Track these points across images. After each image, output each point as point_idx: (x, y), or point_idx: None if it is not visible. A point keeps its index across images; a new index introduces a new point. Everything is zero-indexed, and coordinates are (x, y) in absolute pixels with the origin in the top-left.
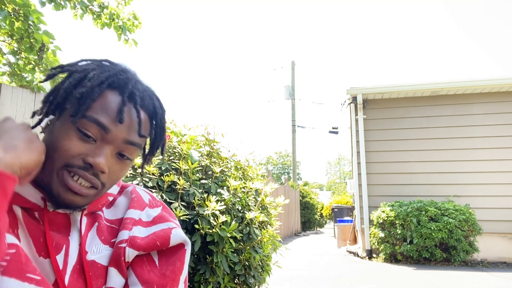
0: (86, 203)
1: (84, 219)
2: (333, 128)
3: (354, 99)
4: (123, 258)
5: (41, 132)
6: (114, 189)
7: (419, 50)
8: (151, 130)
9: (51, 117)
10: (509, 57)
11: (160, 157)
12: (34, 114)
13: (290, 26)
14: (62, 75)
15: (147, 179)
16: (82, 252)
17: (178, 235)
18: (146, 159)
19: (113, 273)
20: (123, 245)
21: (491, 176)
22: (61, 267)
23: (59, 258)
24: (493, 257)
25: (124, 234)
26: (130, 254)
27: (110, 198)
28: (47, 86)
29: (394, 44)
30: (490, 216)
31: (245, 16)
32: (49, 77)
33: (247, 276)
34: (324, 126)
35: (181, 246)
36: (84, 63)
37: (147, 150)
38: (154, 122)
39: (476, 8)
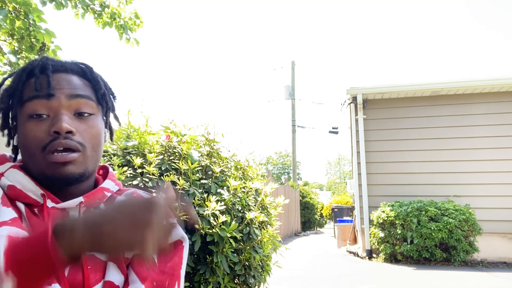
0: (80, 169)
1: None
2: (333, 128)
3: (354, 99)
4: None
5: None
6: (112, 186)
7: (419, 50)
8: (90, 84)
9: (17, 135)
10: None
11: (160, 157)
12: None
13: (290, 26)
14: None
15: (147, 179)
16: None
17: (177, 232)
18: (107, 113)
19: (112, 268)
20: None
21: (491, 176)
22: None
23: None
24: (493, 257)
25: None
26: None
27: (108, 194)
28: None
29: (394, 44)
30: (490, 216)
31: (245, 16)
32: None
33: (247, 276)
34: (324, 126)
35: (179, 242)
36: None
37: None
38: (86, 78)
39: (475, 8)
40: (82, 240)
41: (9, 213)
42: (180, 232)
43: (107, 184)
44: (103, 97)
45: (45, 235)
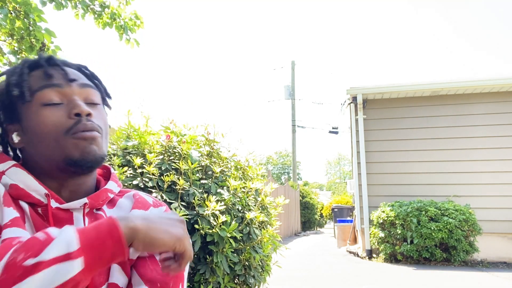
0: (101, 153)
1: (86, 219)
2: (333, 128)
3: (354, 99)
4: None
5: (15, 151)
6: (115, 187)
7: (419, 50)
8: (89, 78)
9: (16, 132)
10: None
11: (160, 157)
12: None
13: (290, 26)
14: None
15: (147, 179)
16: None
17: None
18: (104, 101)
19: (116, 270)
20: None
21: (491, 176)
22: None
23: None
24: (493, 257)
25: None
26: (133, 252)
27: (111, 195)
28: None
29: (394, 44)
30: (490, 216)
31: (245, 16)
32: None
33: (247, 276)
34: (324, 126)
35: None
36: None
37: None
38: (84, 73)
39: (474, 9)
40: (143, 236)
41: (10, 214)
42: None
43: (111, 185)
44: (105, 91)
45: (113, 225)
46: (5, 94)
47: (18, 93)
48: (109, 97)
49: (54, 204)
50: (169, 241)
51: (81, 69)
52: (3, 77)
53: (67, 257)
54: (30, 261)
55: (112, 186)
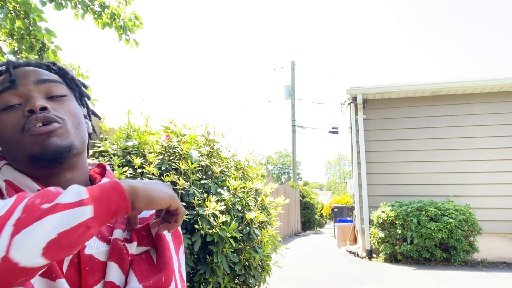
0: (67, 142)
1: None
2: (333, 128)
3: (354, 99)
4: (125, 251)
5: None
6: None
7: (420, 50)
8: (56, 73)
9: None
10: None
11: (160, 157)
12: None
13: (290, 26)
14: None
15: (146, 179)
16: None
17: None
18: (80, 95)
19: (113, 268)
20: (121, 242)
21: (491, 176)
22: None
23: None
24: (493, 257)
25: (118, 233)
26: (133, 248)
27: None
28: None
29: (394, 44)
30: (490, 216)
31: (245, 16)
32: None
33: (247, 276)
34: (324, 126)
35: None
36: None
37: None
38: (51, 69)
39: (472, 10)
40: (143, 194)
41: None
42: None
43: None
44: (72, 80)
45: (116, 182)
46: None
47: None
48: (78, 86)
49: None
50: (166, 198)
51: (47, 67)
52: None
53: (80, 203)
54: (47, 205)
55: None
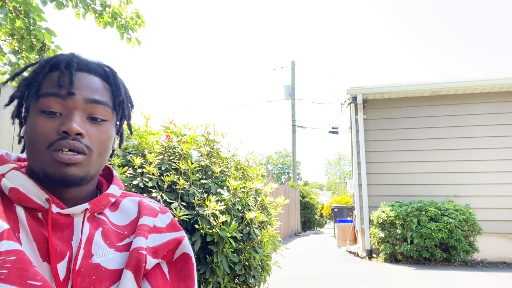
0: (83, 173)
1: (87, 225)
2: (333, 128)
3: (354, 99)
4: (143, 265)
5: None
6: (116, 191)
7: (420, 50)
8: (110, 89)
9: (24, 127)
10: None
11: (160, 157)
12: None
13: (290, 26)
14: None
15: (147, 179)
16: (86, 256)
17: (187, 244)
18: (121, 120)
19: (129, 277)
20: (144, 252)
21: (491, 176)
22: (63, 273)
23: (62, 264)
24: (493, 257)
25: (141, 241)
26: (152, 262)
27: (112, 199)
28: None
29: (394, 44)
30: (490, 216)
31: (245, 16)
32: (11, 99)
33: (247, 276)
34: (324, 126)
35: (188, 258)
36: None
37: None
38: (108, 82)
39: (469, 9)
40: None
41: (1, 225)
42: (189, 245)
43: (112, 189)
44: (120, 104)
45: None
46: (18, 93)
47: (25, 92)
48: (123, 111)
49: (55, 209)
50: None
51: (105, 76)
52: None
53: None
54: None
55: (114, 190)
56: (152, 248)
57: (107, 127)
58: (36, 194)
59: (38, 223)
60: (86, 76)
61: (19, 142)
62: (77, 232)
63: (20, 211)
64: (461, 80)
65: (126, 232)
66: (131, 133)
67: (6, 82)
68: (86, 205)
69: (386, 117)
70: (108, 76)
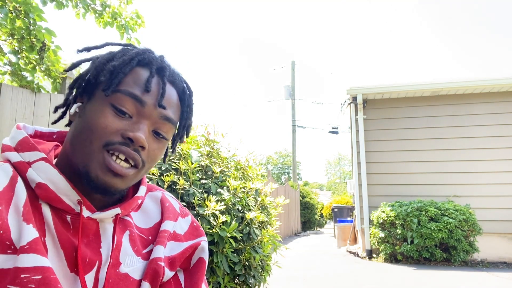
0: (125, 186)
1: (112, 227)
2: (333, 128)
3: (354, 99)
4: (161, 278)
5: (69, 121)
6: (143, 191)
7: (420, 50)
8: (181, 109)
9: (79, 104)
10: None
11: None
12: (56, 108)
13: (290, 26)
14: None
15: (147, 179)
16: (114, 264)
17: (203, 248)
18: (175, 141)
19: None
20: (162, 263)
21: (491, 176)
22: (91, 284)
23: (90, 275)
24: (493, 257)
25: (160, 251)
26: (169, 274)
27: (139, 201)
28: (48, 87)
29: (394, 44)
30: (490, 216)
31: (245, 16)
32: (74, 66)
33: (247, 276)
34: (324, 126)
35: (202, 262)
36: (109, 46)
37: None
38: (182, 99)
39: (470, 10)
40: None
41: (29, 233)
42: (206, 248)
43: (142, 191)
44: (185, 127)
45: None
46: (95, 72)
47: (104, 81)
48: (181, 137)
49: (85, 212)
50: None
51: (182, 93)
52: (112, 48)
53: None
54: None
55: (143, 191)
56: (169, 258)
57: (164, 146)
58: (67, 194)
59: (65, 226)
60: (169, 87)
61: (68, 124)
62: (105, 238)
63: (47, 211)
64: (461, 80)
65: (150, 238)
66: (173, 152)
67: (70, 68)
68: (118, 210)
69: (386, 117)
70: (185, 94)
